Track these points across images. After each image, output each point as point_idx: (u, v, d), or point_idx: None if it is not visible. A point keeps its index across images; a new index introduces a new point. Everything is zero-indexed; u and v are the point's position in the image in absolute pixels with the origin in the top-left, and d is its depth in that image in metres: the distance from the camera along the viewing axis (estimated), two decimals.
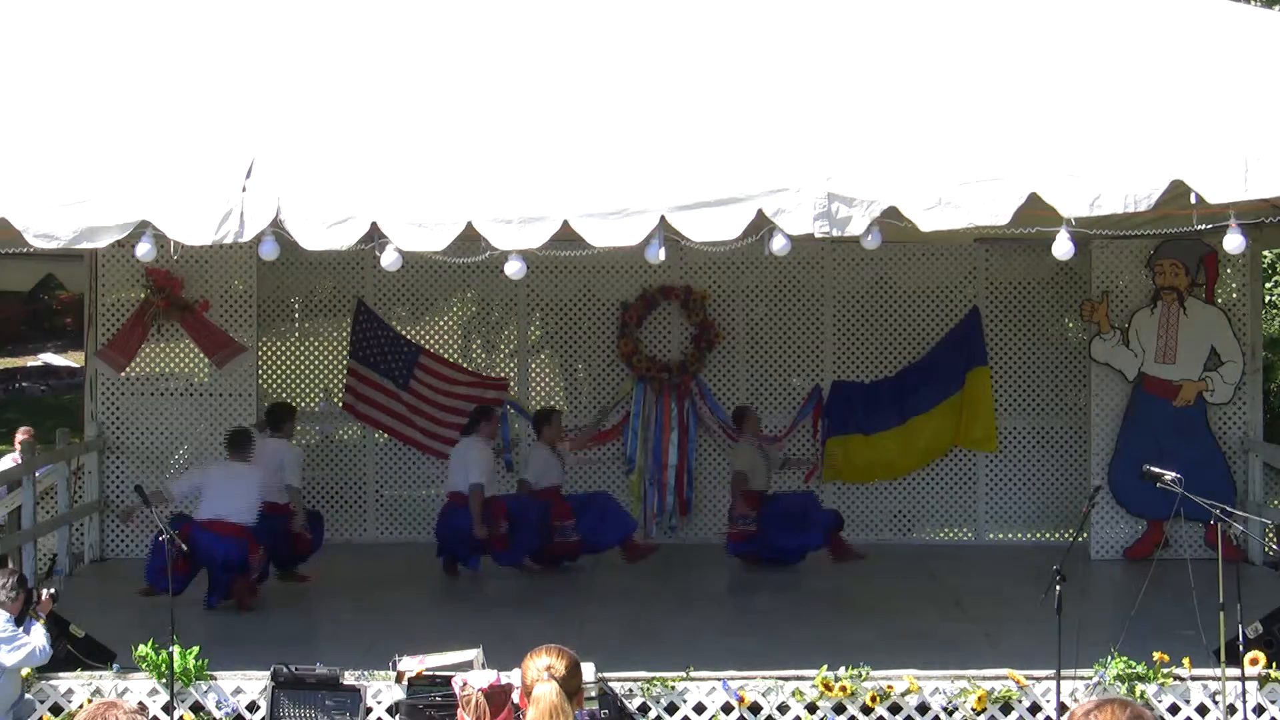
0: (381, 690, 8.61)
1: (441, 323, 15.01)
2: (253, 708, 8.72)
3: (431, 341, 14.77)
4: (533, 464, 13.36)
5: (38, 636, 8.56)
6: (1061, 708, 8.46)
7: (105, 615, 10.68)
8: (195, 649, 8.74)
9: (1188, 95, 8.55)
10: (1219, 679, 8.59)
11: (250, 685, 8.74)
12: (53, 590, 9.02)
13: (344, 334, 14.67)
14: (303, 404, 14.76)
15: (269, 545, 11.95)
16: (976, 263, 14.46)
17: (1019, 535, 14.47)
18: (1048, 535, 14.37)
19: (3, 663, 8.45)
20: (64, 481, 13.17)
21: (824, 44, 9.38)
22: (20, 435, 13.57)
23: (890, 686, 8.69)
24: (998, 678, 8.73)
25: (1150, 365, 13.38)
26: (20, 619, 8.59)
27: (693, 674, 8.75)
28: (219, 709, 8.69)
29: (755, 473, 13.27)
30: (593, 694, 8.26)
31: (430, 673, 8.39)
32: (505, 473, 14.44)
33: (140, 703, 8.53)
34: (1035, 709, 8.68)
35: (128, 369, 13.44)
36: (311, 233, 8.07)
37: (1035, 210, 8.10)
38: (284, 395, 14.72)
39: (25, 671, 8.66)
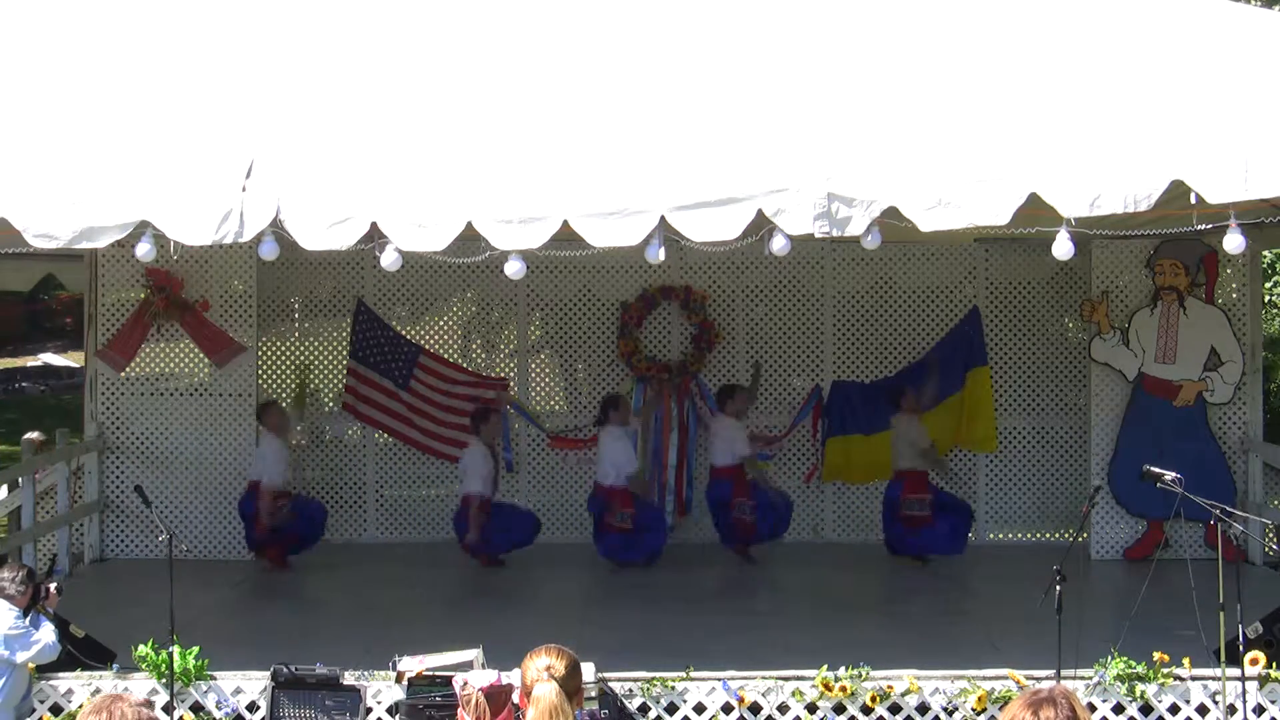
0: (381, 690, 8.61)
1: (441, 323, 15.01)
2: (253, 708, 8.72)
3: (431, 341, 14.76)
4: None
5: (47, 632, 8.56)
6: None
7: (105, 615, 10.69)
8: (195, 649, 8.74)
9: (1188, 95, 8.54)
10: (1219, 679, 8.59)
11: (250, 685, 8.74)
12: (57, 584, 9.02)
13: (344, 334, 14.68)
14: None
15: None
16: (976, 263, 14.46)
17: (1019, 535, 14.47)
18: (1048, 535, 14.38)
19: (14, 660, 8.45)
20: (64, 481, 13.17)
21: (824, 44, 9.37)
22: None
23: (890, 686, 8.69)
24: (998, 678, 8.72)
25: (1150, 365, 13.38)
26: (27, 612, 8.59)
27: (693, 674, 8.75)
28: (219, 709, 8.69)
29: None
30: (593, 694, 8.26)
31: (430, 673, 8.39)
32: (505, 473, 14.44)
33: (146, 698, 8.52)
34: None
35: (128, 369, 13.44)
36: (311, 233, 8.07)
37: (1035, 210, 8.10)
38: (283, 395, 14.73)
39: (30, 666, 8.67)
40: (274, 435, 13.13)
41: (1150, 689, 8.65)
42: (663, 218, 7.99)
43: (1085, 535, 13.24)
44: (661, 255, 8.12)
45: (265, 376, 14.43)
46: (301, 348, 14.83)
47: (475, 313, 15.10)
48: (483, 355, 15.03)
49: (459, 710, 7.87)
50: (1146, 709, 8.66)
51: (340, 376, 14.65)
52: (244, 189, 8.06)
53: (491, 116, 8.67)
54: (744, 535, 13.24)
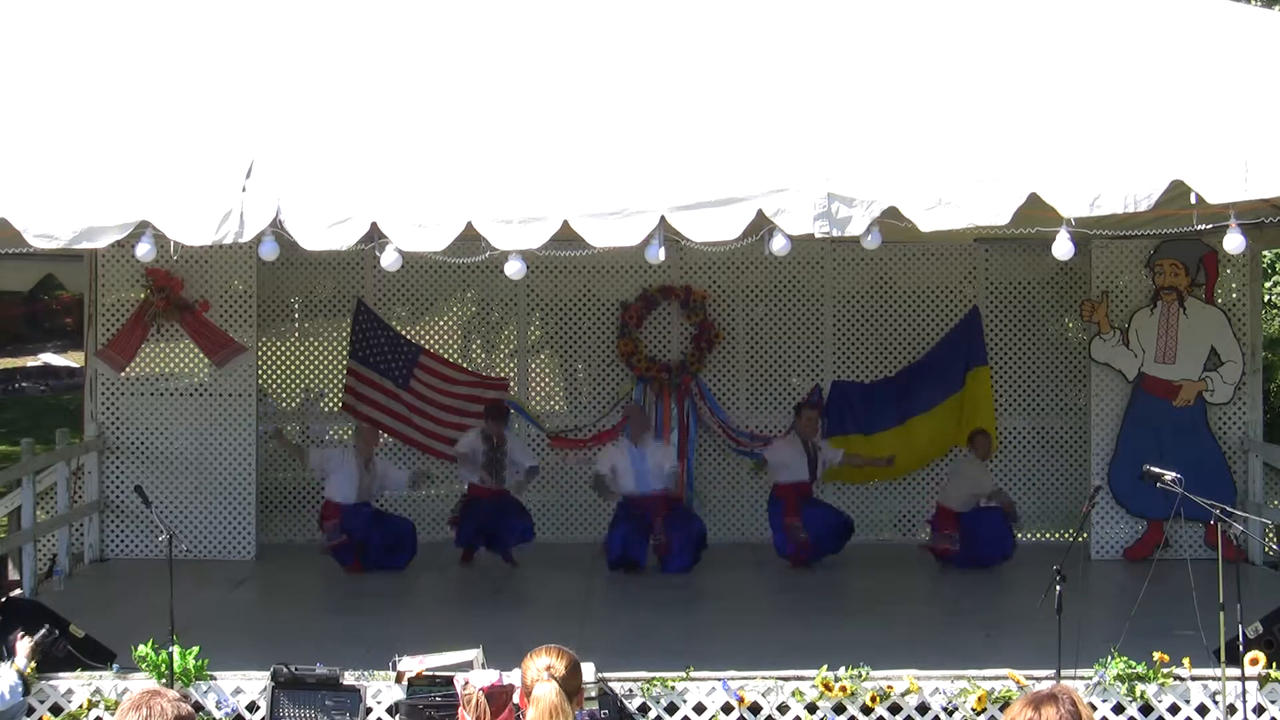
0: (381, 690, 8.61)
1: (441, 323, 15.01)
2: (253, 708, 8.71)
3: (431, 341, 14.77)
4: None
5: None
6: None
7: (105, 615, 10.69)
8: (195, 649, 8.74)
9: (1188, 95, 8.55)
10: (1219, 679, 8.59)
11: (250, 685, 8.74)
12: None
13: (344, 334, 14.68)
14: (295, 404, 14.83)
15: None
16: (976, 263, 14.46)
17: (1019, 535, 14.43)
18: (1048, 535, 14.38)
19: None
20: (64, 481, 13.17)
21: (824, 44, 9.38)
22: None
23: (890, 686, 8.69)
24: (998, 678, 8.72)
25: (1150, 365, 13.38)
26: None
27: (693, 674, 8.74)
28: (219, 709, 8.68)
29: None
30: (593, 694, 8.25)
31: (430, 673, 8.39)
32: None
33: (184, 691, 8.48)
34: None
35: (128, 369, 13.44)
36: (311, 233, 8.07)
37: (1035, 210, 8.10)
38: (284, 395, 14.74)
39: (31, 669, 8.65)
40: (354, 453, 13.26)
41: (1150, 689, 8.64)
42: (663, 218, 7.99)
43: (1085, 535, 13.24)
44: (661, 255, 8.12)
45: (265, 376, 14.43)
46: (301, 348, 14.83)
47: (475, 313, 15.10)
48: (483, 355, 15.03)
49: (459, 710, 7.87)
50: (1146, 709, 8.66)
51: (340, 376, 14.65)
52: (244, 189, 8.06)
53: (491, 116, 8.68)
54: (800, 552, 13.19)
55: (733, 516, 14.38)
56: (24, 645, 8.63)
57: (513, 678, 7.68)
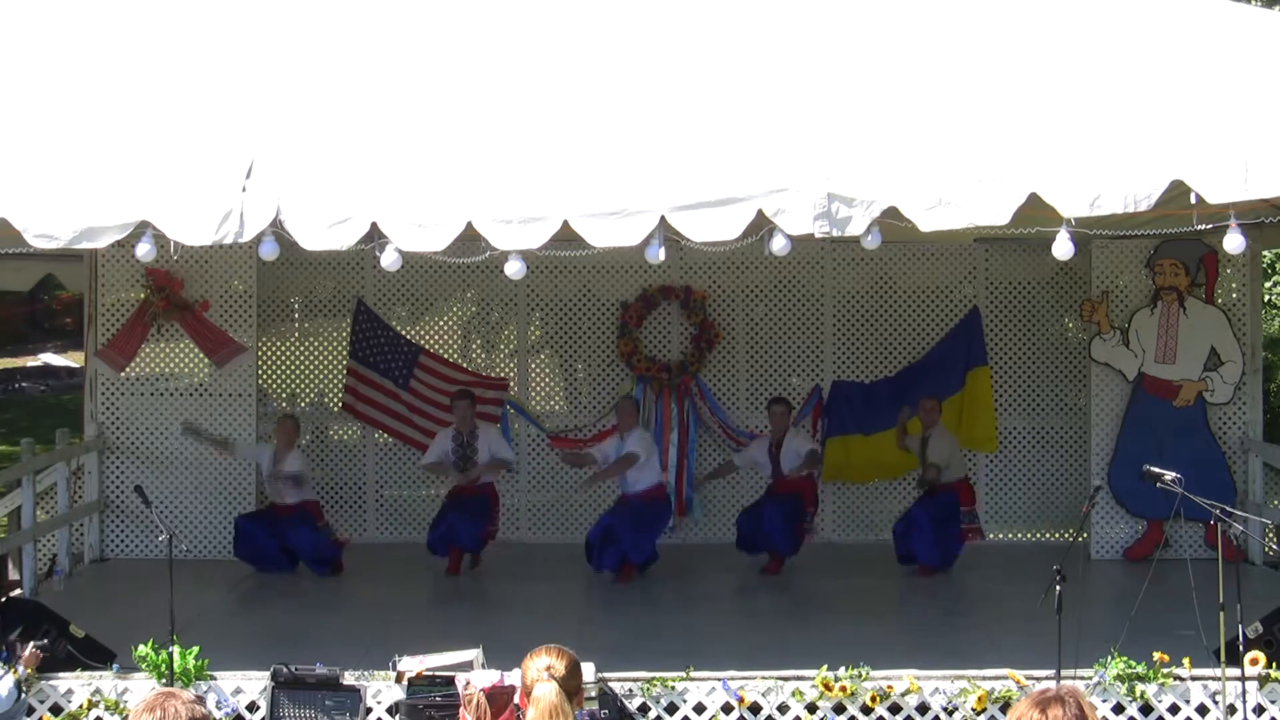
0: (381, 690, 8.61)
1: (441, 323, 15.01)
2: (253, 708, 8.72)
3: (431, 341, 14.76)
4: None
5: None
6: None
7: (105, 615, 10.69)
8: (195, 649, 8.75)
9: (1188, 95, 8.55)
10: (1219, 679, 8.59)
11: (250, 685, 8.75)
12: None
13: (344, 334, 14.67)
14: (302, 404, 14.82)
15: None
16: (976, 263, 14.46)
17: (1019, 535, 14.47)
18: (1048, 535, 14.38)
19: None
20: (64, 481, 13.17)
21: (824, 44, 9.38)
22: None
23: (890, 686, 8.70)
24: (998, 678, 8.72)
25: (1150, 365, 13.38)
26: None
27: (693, 674, 8.75)
28: (219, 709, 8.69)
29: None
30: (593, 694, 8.26)
31: (430, 673, 8.39)
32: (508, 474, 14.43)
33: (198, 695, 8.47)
34: None
35: (128, 369, 13.45)
36: (311, 233, 8.08)
37: (1035, 210, 8.10)
38: (284, 395, 14.73)
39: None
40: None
41: (1150, 689, 8.65)
42: (663, 218, 8.00)
43: (1085, 535, 13.24)
44: (661, 255, 8.13)
45: (265, 376, 14.43)
46: (301, 348, 14.83)
47: (475, 313, 15.09)
48: (483, 355, 15.03)
49: (460, 710, 7.88)
50: (1146, 709, 8.66)
51: (340, 376, 14.65)
52: (244, 189, 8.07)
53: (491, 116, 8.68)
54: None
55: (733, 516, 14.35)
56: (25, 655, 8.62)
57: (513, 678, 7.69)
